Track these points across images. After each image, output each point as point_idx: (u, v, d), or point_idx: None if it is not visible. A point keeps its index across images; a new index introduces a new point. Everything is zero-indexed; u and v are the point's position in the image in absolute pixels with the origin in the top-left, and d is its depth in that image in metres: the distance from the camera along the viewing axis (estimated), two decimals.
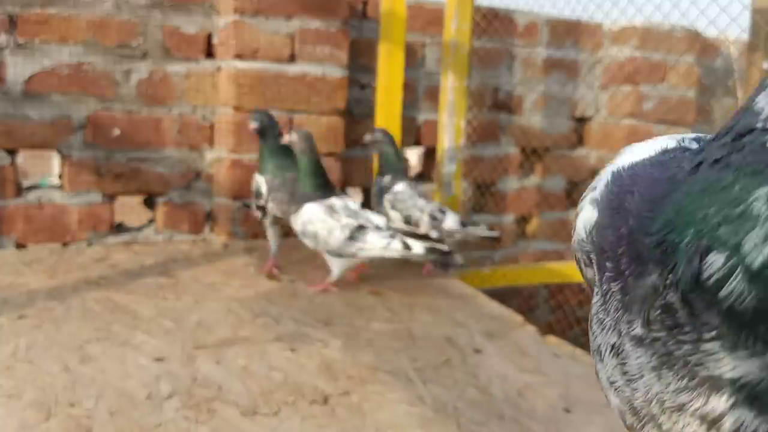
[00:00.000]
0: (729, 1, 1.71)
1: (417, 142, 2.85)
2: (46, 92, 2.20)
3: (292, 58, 2.39)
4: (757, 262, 0.34)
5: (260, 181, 2.00)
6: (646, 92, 3.11)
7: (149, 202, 2.43)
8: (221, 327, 1.54)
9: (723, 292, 0.36)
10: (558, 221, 3.15)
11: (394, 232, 1.81)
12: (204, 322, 1.57)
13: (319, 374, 1.31)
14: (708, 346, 0.37)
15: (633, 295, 0.42)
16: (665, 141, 0.50)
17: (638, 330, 0.42)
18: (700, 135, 0.49)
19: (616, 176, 0.49)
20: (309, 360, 1.38)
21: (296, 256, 2.13)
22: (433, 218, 2.09)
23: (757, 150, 0.36)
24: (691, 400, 0.40)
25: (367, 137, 2.23)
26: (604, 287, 0.46)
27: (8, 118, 2.16)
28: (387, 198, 2.15)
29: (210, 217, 2.44)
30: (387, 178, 2.18)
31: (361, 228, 1.80)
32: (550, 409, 1.22)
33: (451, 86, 2.50)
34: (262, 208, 2.01)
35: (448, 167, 2.55)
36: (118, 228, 2.37)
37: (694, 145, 0.48)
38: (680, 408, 0.41)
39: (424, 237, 1.90)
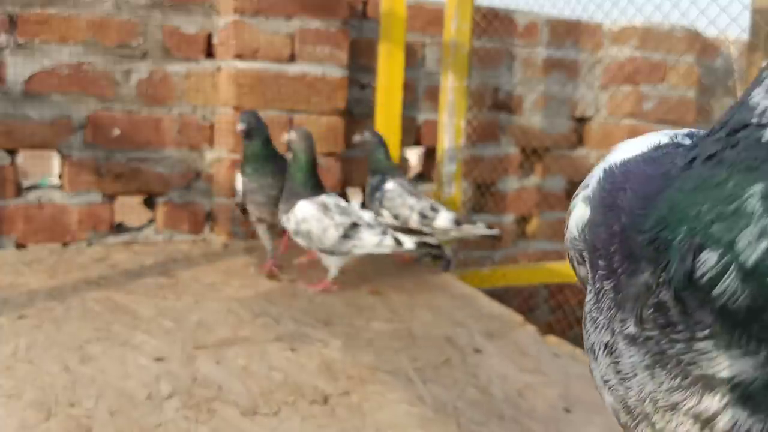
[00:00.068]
0: (729, 1, 1.71)
1: (417, 142, 2.85)
2: (46, 92, 2.20)
3: (292, 58, 2.39)
4: (751, 260, 0.34)
5: (238, 181, 2.02)
6: (646, 92, 3.11)
7: (149, 202, 2.43)
8: (221, 327, 1.54)
9: (716, 291, 0.35)
10: (558, 221, 3.15)
11: (385, 228, 1.84)
12: (204, 322, 1.57)
13: (319, 374, 1.31)
14: (701, 344, 0.37)
15: (626, 293, 0.42)
16: (658, 137, 0.49)
17: (631, 328, 0.42)
18: (693, 130, 0.49)
19: (608, 173, 0.49)
20: (309, 360, 1.38)
21: (296, 256, 2.13)
22: (424, 216, 2.09)
23: (751, 146, 0.36)
24: (685, 399, 0.40)
25: (356, 138, 2.24)
26: (597, 285, 0.46)
27: (8, 118, 2.16)
28: (377, 197, 2.16)
29: (210, 217, 2.44)
30: (377, 178, 2.19)
31: (354, 225, 1.82)
32: (550, 408, 1.22)
33: (451, 86, 2.50)
34: (243, 209, 2.04)
35: (448, 167, 2.55)
36: (118, 228, 2.37)
37: (687, 141, 0.47)
38: (673, 407, 0.40)
39: (415, 231, 1.91)
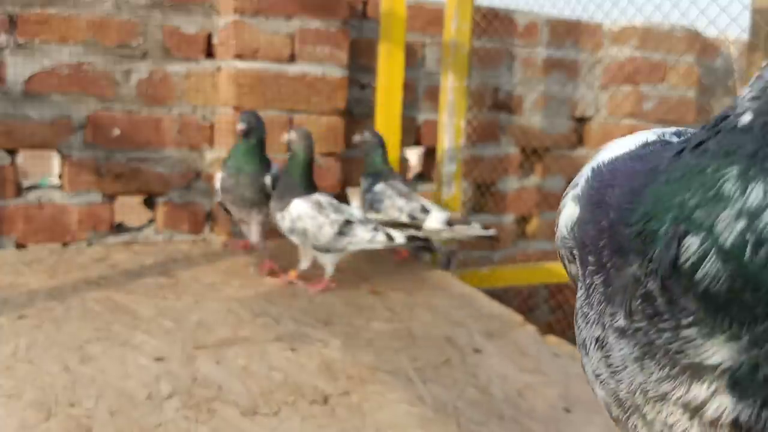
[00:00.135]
0: (729, 1, 1.71)
1: (417, 142, 2.85)
2: (46, 92, 2.20)
3: (292, 58, 2.39)
4: (728, 241, 0.35)
5: (216, 178, 2.03)
6: (646, 92, 3.12)
7: (149, 202, 2.43)
8: (221, 327, 1.54)
9: (698, 275, 0.36)
10: None
11: (377, 224, 1.88)
12: (204, 322, 1.57)
13: (319, 374, 1.31)
14: (687, 332, 0.38)
15: (615, 286, 0.42)
16: (645, 135, 0.50)
17: (621, 322, 0.42)
18: (680, 129, 0.50)
19: (597, 172, 0.49)
20: (309, 360, 1.38)
21: (295, 256, 2.13)
22: (413, 218, 2.09)
23: (729, 132, 0.37)
24: (674, 389, 0.40)
25: (356, 137, 2.24)
26: (587, 281, 0.46)
27: (8, 118, 2.16)
28: (367, 198, 2.16)
29: (210, 217, 2.44)
30: (368, 180, 2.19)
31: (348, 223, 1.84)
32: (550, 408, 1.22)
33: (451, 86, 2.50)
34: (226, 208, 2.05)
35: (448, 167, 2.55)
36: (118, 228, 2.37)
37: (675, 139, 0.48)
38: (663, 397, 0.41)
39: (405, 225, 1.93)
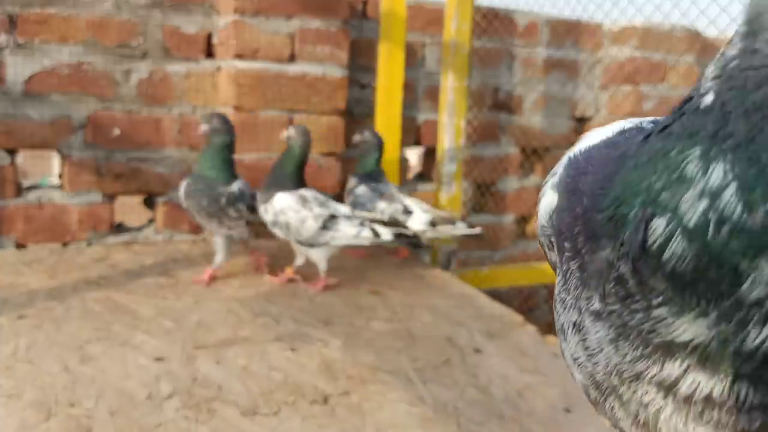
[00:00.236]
0: (729, 1, 1.71)
1: (417, 142, 2.85)
2: (46, 92, 2.20)
3: (292, 58, 2.39)
4: (692, 221, 0.35)
5: (182, 185, 1.94)
6: (646, 92, 3.11)
7: (149, 202, 2.43)
8: (221, 327, 1.54)
9: (665, 256, 0.37)
10: None
11: (363, 221, 1.86)
12: (204, 322, 1.57)
13: (319, 374, 1.31)
14: (657, 312, 0.38)
15: (590, 271, 0.43)
16: (623, 123, 0.51)
17: (596, 305, 0.43)
18: (658, 118, 0.50)
19: (573, 160, 0.51)
20: (309, 360, 1.38)
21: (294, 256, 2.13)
22: (395, 220, 2.09)
23: (692, 113, 0.38)
24: (648, 368, 0.41)
25: (356, 137, 2.23)
26: (564, 267, 0.47)
27: (8, 118, 2.16)
28: (349, 200, 2.17)
29: None
30: (353, 181, 2.19)
31: (332, 217, 1.83)
32: (550, 408, 1.22)
33: (451, 86, 2.50)
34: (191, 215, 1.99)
35: (448, 167, 2.55)
36: (118, 228, 2.37)
37: (651, 127, 0.49)
38: (638, 377, 0.42)
39: (393, 224, 1.92)
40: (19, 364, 1.28)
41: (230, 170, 1.92)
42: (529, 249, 3.14)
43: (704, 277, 0.35)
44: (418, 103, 2.80)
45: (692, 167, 0.36)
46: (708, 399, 0.38)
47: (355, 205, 2.13)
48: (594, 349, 0.44)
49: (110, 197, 2.32)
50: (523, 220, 3.14)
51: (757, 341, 0.35)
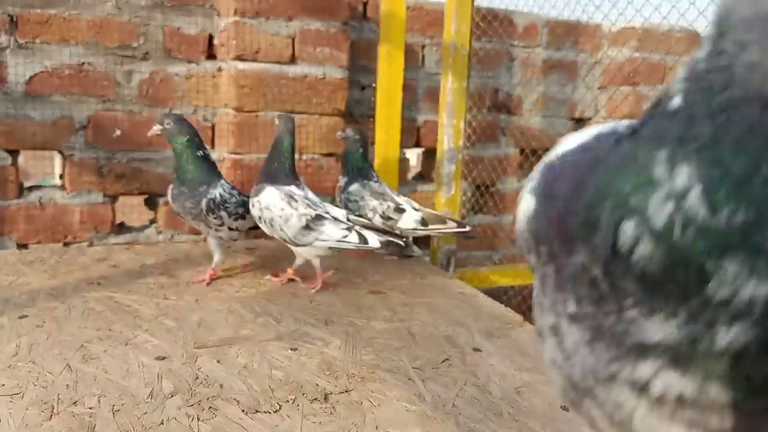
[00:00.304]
0: None
1: (417, 143, 2.86)
2: (48, 93, 2.21)
3: (292, 59, 2.40)
4: (659, 222, 0.36)
5: (169, 187, 1.91)
6: (645, 93, 3.12)
7: (150, 202, 2.43)
8: (222, 326, 1.55)
9: (634, 258, 0.37)
10: None
11: (351, 225, 1.83)
12: (205, 322, 1.58)
13: (319, 372, 1.32)
14: (629, 314, 0.39)
15: (565, 275, 0.43)
16: (600, 128, 0.51)
17: (572, 308, 0.43)
18: (635, 121, 0.51)
19: (549, 165, 0.51)
20: (309, 358, 1.39)
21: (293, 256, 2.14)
22: (387, 218, 2.09)
23: (661, 116, 0.38)
24: (622, 369, 0.41)
25: (339, 134, 2.23)
26: (541, 271, 0.47)
27: (9, 119, 2.17)
28: (342, 197, 2.17)
29: None
30: (345, 179, 2.19)
31: (318, 218, 1.80)
32: (548, 407, 1.23)
33: (450, 87, 2.51)
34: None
35: (447, 168, 2.56)
36: (120, 228, 2.38)
37: (625, 131, 0.49)
38: (612, 377, 0.42)
39: (386, 231, 1.90)
40: (21, 364, 1.29)
41: (207, 170, 1.85)
42: None
43: (672, 278, 0.36)
44: (417, 104, 2.81)
45: (659, 170, 0.36)
46: (680, 399, 0.38)
47: (347, 203, 2.14)
48: (571, 351, 0.45)
49: (111, 197, 2.32)
50: None
51: (725, 341, 0.35)
